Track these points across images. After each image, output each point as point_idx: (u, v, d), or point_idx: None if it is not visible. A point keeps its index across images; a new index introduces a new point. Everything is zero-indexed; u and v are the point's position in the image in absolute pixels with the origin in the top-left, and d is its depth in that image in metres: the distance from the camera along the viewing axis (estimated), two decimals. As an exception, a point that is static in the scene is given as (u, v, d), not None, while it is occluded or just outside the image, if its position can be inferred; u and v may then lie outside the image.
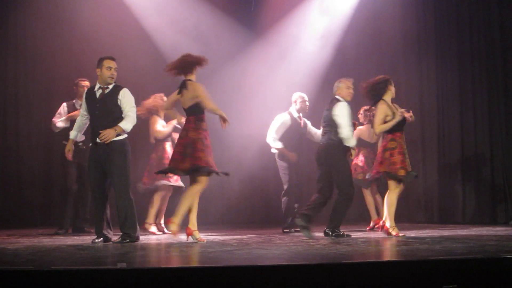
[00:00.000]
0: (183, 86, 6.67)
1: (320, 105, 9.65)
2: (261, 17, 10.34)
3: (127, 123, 6.54)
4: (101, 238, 6.53)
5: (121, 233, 6.51)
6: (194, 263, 4.90)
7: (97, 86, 6.67)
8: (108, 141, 6.39)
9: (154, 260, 4.89)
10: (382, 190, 8.07)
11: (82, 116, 6.79)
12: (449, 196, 9.73)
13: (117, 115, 6.56)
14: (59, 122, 8.00)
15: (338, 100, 7.23)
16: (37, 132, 9.50)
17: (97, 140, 6.48)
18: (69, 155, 6.97)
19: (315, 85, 9.90)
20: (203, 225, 8.22)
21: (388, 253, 5.44)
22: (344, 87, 7.29)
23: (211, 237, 7.06)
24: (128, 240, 6.41)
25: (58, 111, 8.05)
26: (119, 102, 6.57)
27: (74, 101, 8.10)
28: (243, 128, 9.29)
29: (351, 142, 7.13)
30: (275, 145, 8.06)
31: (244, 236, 7.08)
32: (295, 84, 9.35)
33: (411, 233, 7.27)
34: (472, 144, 9.57)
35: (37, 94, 9.58)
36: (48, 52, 9.50)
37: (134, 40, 9.78)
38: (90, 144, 6.66)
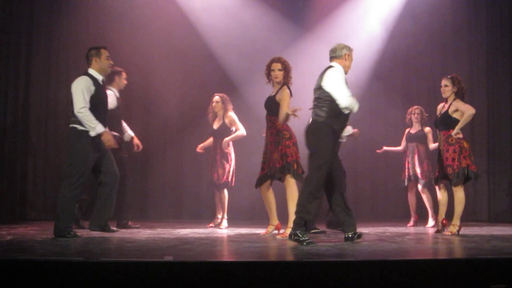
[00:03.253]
0: None
1: (369, 100, 9.55)
2: (309, 12, 10.29)
3: None
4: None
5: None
6: (241, 258, 4.93)
7: (99, 76, 6.38)
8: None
9: (200, 253, 4.94)
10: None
11: (87, 106, 6.18)
12: (498, 194, 9.54)
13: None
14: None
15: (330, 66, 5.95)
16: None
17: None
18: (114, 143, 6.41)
19: (364, 80, 9.82)
20: (248, 219, 8.28)
21: (436, 251, 5.37)
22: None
23: (256, 232, 7.10)
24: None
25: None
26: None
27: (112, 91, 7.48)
28: (291, 125, 9.23)
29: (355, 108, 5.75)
30: None
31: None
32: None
33: (460, 231, 7.14)
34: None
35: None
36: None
37: (183, 37, 9.87)
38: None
